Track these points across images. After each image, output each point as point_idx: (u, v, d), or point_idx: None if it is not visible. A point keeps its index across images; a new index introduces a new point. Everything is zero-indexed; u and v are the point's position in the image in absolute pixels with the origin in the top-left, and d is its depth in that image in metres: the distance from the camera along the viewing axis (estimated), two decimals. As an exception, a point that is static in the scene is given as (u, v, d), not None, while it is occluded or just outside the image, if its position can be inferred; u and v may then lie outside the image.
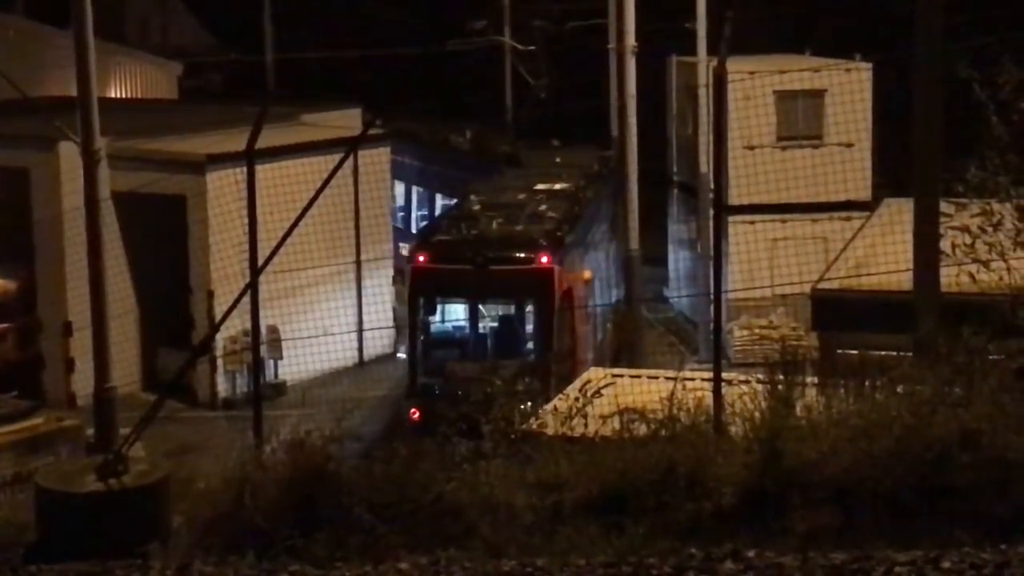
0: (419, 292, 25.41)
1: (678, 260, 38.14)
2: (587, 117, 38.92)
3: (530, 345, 25.63)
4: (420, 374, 24.98)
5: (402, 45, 43.48)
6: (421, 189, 41.22)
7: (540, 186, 29.94)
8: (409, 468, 11.52)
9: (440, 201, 39.53)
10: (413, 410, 24.05)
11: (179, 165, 30.05)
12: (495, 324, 26.54)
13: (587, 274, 27.58)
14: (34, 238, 30.34)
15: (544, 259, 25.09)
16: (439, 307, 26.34)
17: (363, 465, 11.68)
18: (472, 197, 28.84)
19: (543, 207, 27.90)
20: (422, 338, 25.46)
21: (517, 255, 25.23)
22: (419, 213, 41.07)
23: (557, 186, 30.15)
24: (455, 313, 26.84)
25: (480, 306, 26.40)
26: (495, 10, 44.02)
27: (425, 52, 42.16)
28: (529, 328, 25.96)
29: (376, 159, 33.14)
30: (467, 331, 26.38)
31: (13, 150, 30.68)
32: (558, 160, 33.30)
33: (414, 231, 38.21)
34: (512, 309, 26.31)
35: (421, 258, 25.39)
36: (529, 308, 25.87)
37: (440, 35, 42.75)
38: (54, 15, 39.31)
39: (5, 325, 30.51)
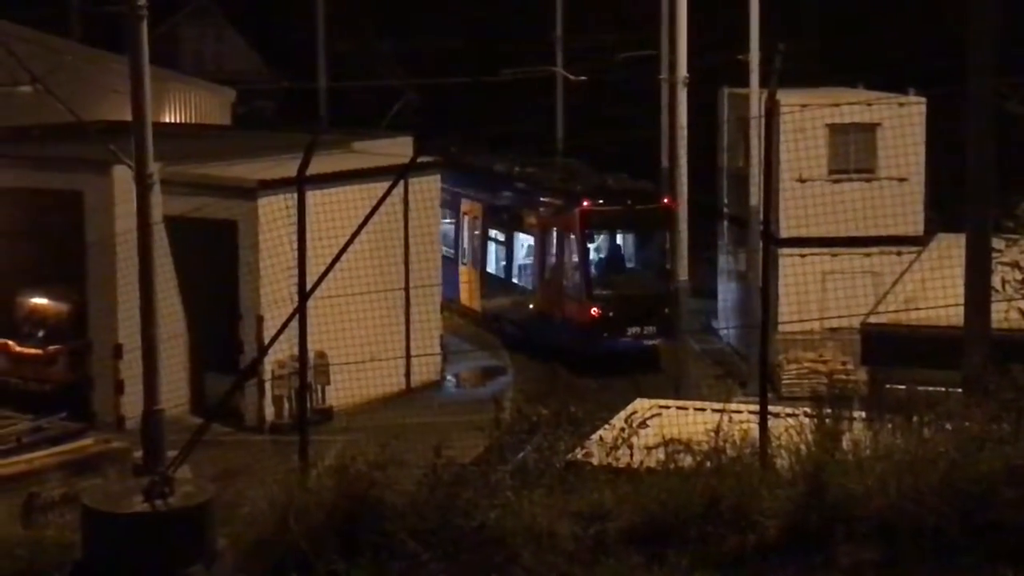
0: (587, 227, 34.68)
1: (727, 292, 38.02)
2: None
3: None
4: (594, 285, 34.34)
5: (454, 74, 43.61)
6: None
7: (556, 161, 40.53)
8: (452, 495, 11.51)
9: None
10: (593, 309, 33.94)
11: (231, 190, 30.22)
12: (638, 247, 36.42)
13: None
14: (86, 261, 30.57)
15: (666, 200, 34.06)
16: (599, 237, 35.53)
17: (407, 491, 11.67)
18: (548, 170, 38.70)
19: (589, 171, 37.59)
20: (592, 260, 35.04)
21: (653, 197, 34.86)
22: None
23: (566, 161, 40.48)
24: (608, 241, 36.04)
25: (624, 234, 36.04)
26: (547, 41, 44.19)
27: (476, 81, 42.21)
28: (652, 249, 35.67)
29: (426, 187, 33.24)
30: (619, 253, 36.06)
31: (68, 173, 30.95)
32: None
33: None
34: (648, 237, 35.71)
35: (586, 203, 34.53)
36: (658, 235, 35.02)
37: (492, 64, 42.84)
38: (110, 41, 39.72)
39: (56, 347, 30.74)
